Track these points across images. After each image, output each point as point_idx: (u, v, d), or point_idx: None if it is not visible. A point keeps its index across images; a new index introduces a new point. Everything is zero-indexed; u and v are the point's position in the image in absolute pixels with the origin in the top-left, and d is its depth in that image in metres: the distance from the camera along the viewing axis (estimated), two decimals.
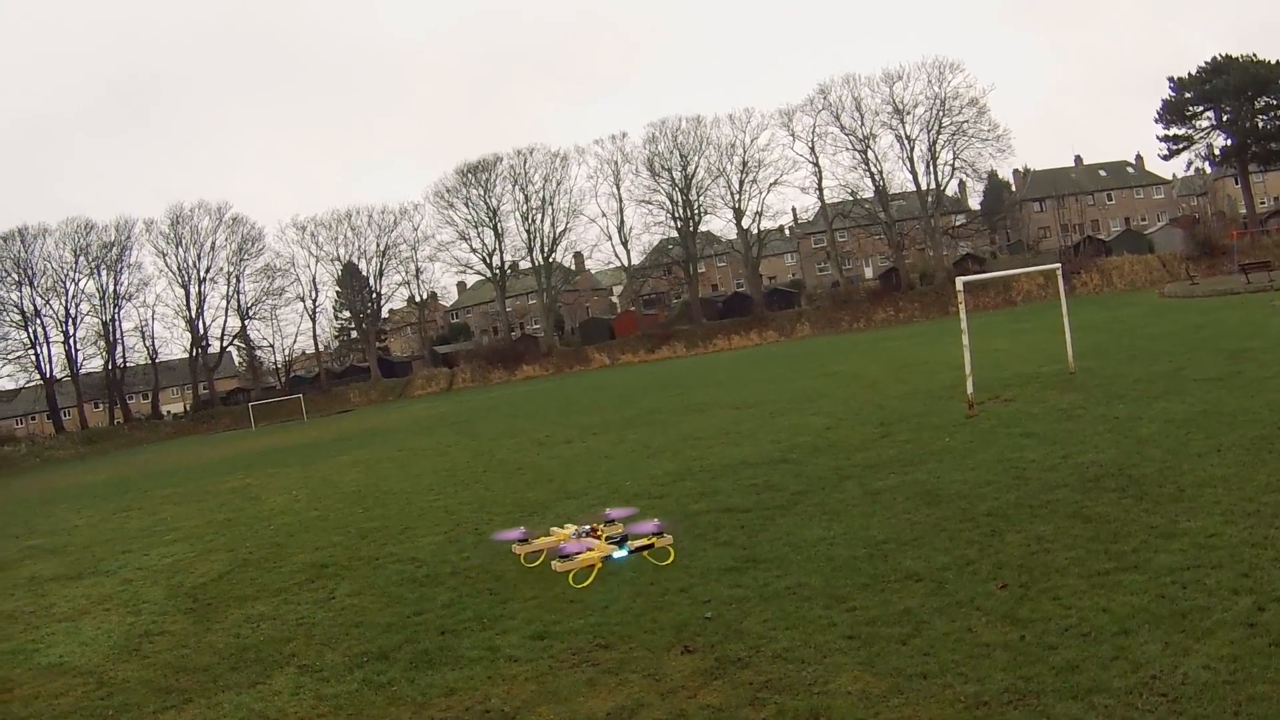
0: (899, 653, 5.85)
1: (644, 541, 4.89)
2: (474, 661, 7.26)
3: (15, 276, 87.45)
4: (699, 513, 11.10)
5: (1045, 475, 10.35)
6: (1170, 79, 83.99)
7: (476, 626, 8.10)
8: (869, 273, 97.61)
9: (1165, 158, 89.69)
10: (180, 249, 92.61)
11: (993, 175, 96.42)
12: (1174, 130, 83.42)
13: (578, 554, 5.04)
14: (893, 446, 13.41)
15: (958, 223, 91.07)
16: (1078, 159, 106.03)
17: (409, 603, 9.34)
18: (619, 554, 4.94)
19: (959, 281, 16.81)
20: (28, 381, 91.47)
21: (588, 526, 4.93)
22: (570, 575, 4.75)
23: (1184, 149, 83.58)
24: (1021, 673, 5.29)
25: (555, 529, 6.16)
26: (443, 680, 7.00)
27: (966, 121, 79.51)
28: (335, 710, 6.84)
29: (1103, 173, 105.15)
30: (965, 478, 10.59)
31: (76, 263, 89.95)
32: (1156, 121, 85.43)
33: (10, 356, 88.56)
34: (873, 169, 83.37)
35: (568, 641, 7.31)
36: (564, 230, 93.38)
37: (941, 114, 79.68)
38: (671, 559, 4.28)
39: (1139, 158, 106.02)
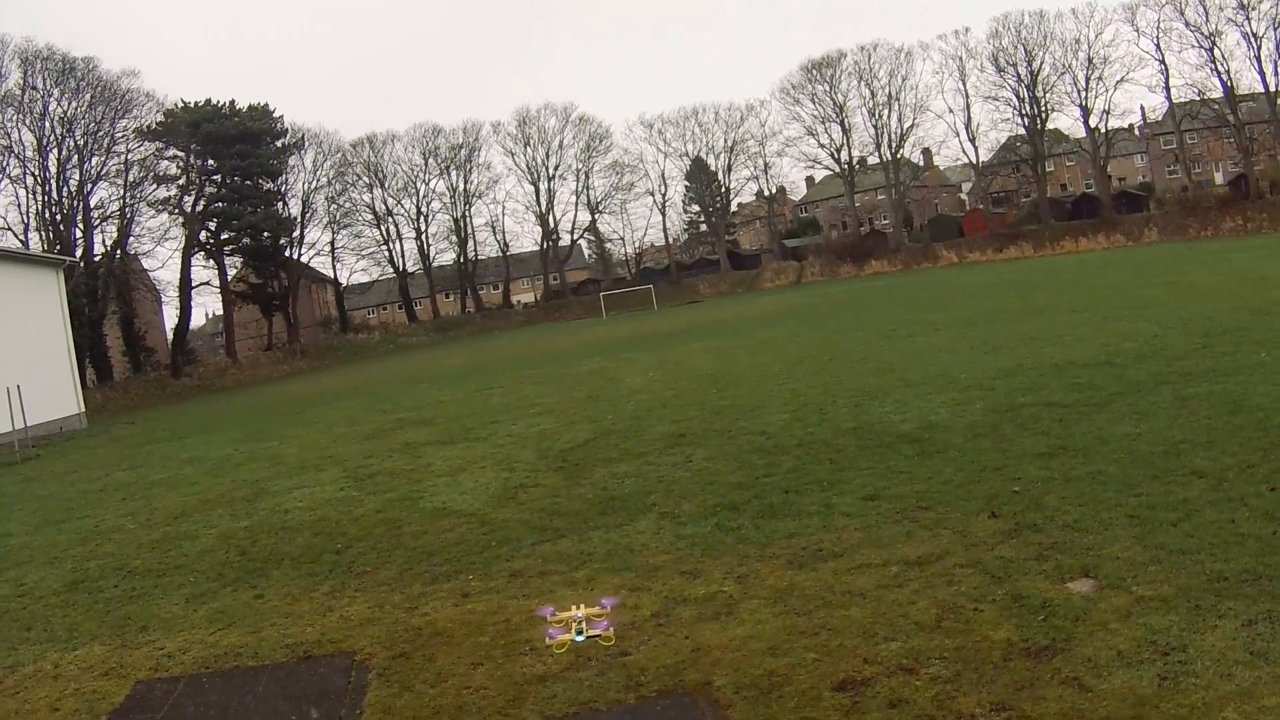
0: (1168, 533, 6.71)
1: (594, 633, 6.38)
2: (812, 515, 8.46)
3: (366, 179, 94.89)
4: (1024, 405, 12.06)
5: None
6: None
7: (816, 488, 9.32)
8: (1219, 178, 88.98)
9: None
10: (528, 148, 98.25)
11: None
12: None
13: (561, 635, 6.37)
14: (1211, 357, 13.60)
15: None
16: None
17: (757, 467, 10.67)
18: (579, 639, 6.38)
19: None
20: (381, 275, 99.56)
21: (583, 613, 6.28)
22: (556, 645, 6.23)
23: None
24: (1265, 559, 5.99)
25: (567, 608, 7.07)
26: (784, 527, 8.17)
27: None
28: (690, 546, 8.03)
29: None
30: (1270, 391, 10.86)
31: (426, 164, 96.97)
32: None
33: (364, 253, 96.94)
34: (1219, 68, 75.81)
35: (894, 504, 8.44)
36: (911, 126, 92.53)
37: None
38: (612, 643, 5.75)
39: None
